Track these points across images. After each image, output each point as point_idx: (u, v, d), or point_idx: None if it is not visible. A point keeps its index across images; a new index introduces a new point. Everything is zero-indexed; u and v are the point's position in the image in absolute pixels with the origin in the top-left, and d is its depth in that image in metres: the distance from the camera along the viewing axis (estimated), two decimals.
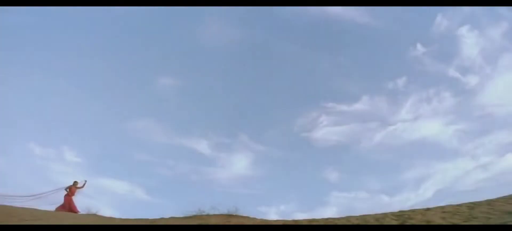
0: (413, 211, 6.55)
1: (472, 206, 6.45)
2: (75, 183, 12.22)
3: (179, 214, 8.84)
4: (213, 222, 7.72)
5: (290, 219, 7.54)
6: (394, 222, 5.87)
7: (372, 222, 6.02)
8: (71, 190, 11.97)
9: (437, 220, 5.76)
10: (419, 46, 24.98)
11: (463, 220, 5.60)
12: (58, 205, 11.66)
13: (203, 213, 8.62)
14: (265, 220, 8.10)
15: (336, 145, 25.17)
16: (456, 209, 6.33)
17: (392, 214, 6.44)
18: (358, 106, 25.13)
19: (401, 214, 6.37)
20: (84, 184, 12.34)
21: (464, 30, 24.31)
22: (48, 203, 11.56)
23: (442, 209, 6.49)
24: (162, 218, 9.12)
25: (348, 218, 6.62)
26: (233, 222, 7.63)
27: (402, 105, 25.36)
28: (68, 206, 11.63)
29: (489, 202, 6.44)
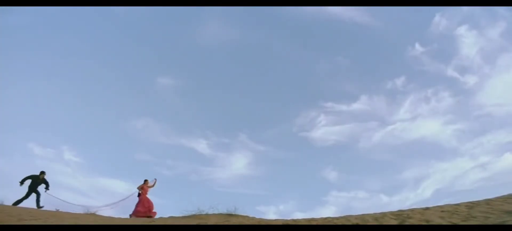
0: (412, 210, 6.55)
1: (471, 205, 6.45)
2: (146, 181, 12.03)
3: (178, 213, 8.85)
4: (212, 221, 7.72)
5: (289, 218, 7.54)
6: (393, 221, 5.87)
7: (371, 221, 6.02)
8: (144, 189, 11.75)
9: (436, 220, 5.76)
10: (417, 45, 24.93)
11: (461, 220, 5.60)
12: (133, 209, 11.43)
13: (203, 213, 8.63)
14: (264, 219, 8.10)
15: (335, 145, 25.07)
16: (454, 208, 6.33)
17: (391, 213, 6.44)
18: (357, 106, 25.12)
19: (400, 213, 6.37)
20: (154, 183, 12.17)
21: (462, 30, 24.30)
22: (124, 211, 11.41)
23: (441, 208, 6.49)
24: (160, 218, 9.11)
25: (347, 217, 6.62)
26: (233, 221, 7.63)
27: (400, 105, 25.25)
28: (143, 204, 11.37)
29: (487, 202, 6.44)
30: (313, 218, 6.99)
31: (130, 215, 11.19)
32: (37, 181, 11.27)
